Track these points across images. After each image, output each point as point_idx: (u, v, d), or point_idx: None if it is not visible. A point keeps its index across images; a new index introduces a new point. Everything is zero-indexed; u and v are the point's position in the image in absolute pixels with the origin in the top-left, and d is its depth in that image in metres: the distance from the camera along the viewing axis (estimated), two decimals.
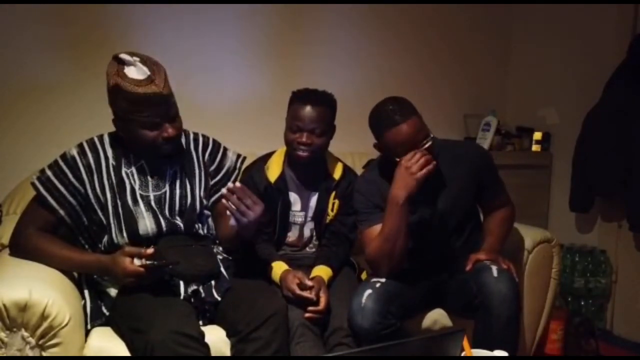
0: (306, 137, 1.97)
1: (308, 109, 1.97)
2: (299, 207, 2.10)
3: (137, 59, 1.74)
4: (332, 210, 2.09)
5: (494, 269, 1.85)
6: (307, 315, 1.84)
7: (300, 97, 2.01)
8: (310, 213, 2.11)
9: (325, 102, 2.01)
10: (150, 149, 1.79)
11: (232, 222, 1.71)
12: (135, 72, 1.72)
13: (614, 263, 2.99)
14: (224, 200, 1.69)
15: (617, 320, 2.98)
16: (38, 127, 2.45)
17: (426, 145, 1.87)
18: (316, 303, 1.86)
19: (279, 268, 1.98)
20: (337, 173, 2.10)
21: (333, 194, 2.08)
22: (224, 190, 1.68)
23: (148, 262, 1.66)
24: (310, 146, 1.98)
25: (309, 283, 1.87)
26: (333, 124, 2.05)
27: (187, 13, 2.67)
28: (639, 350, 2.80)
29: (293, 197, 2.10)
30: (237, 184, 1.69)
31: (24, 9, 2.39)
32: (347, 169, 2.15)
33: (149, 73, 1.72)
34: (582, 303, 2.98)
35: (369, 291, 1.85)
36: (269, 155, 2.14)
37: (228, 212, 1.70)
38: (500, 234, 2.08)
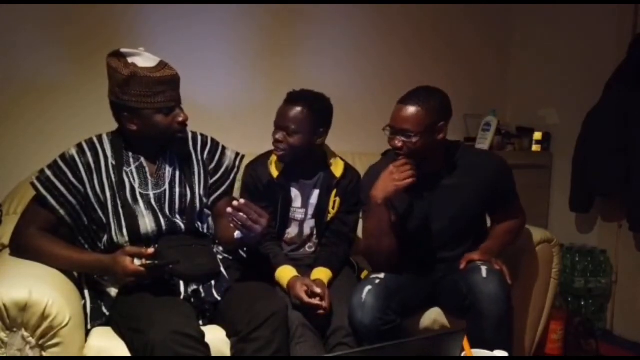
0: (278, 135, 2.01)
1: (285, 106, 2.03)
2: (300, 204, 2.11)
3: (142, 48, 1.79)
4: (332, 208, 2.10)
5: (484, 269, 1.85)
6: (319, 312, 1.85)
7: (287, 96, 2.06)
8: (311, 210, 2.11)
9: (303, 102, 2.01)
10: (165, 136, 1.82)
11: (238, 234, 1.71)
12: (144, 60, 1.78)
13: (614, 263, 2.99)
14: (229, 218, 1.67)
15: (617, 320, 2.98)
16: (38, 127, 2.45)
17: (403, 139, 1.87)
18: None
19: (287, 273, 1.97)
20: (338, 171, 2.11)
21: (334, 192, 2.09)
22: (229, 209, 1.67)
23: (148, 262, 1.66)
24: (282, 144, 2.00)
25: (317, 290, 1.87)
26: (315, 125, 2.02)
27: (184, 14, 2.67)
28: (639, 350, 2.80)
29: (294, 193, 2.11)
30: (242, 200, 1.68)
31: (25, 9, 2.39)
32: (348, 167, 2.16)
33: (158, 59, 1.79)
34: (582, 303, 2.98)
35: (368, 287, 1.86)
36: (272, 152, 2.14)
37: (232, 225, 1.70)
38: (502, 239, 2.07)
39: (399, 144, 1.90)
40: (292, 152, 2.01)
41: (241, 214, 1.65)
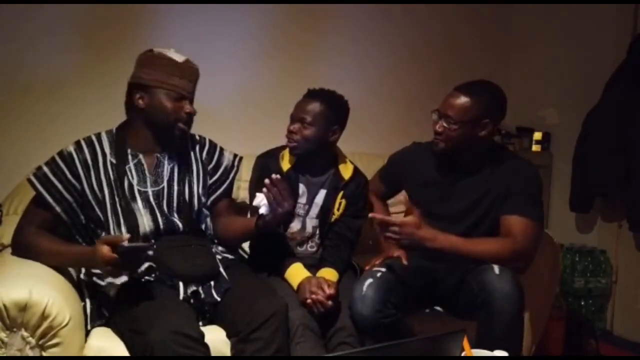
0: (293, 126, 2.04)
1: (304, 100, 2.07)
2: (304, 200, 2.12)
3: (173, 49, 1.88)
4: (337, 209, 2.11)
5: (496, 267, 1.83)
6: (313, 296, 1.85)
7: (307, 92, 2.10)
8: (315, 209, 2.12)
9: (322, 97, 2.05)
10: (167, 122, 1.85)
11: (264, 210, 1.82)
12: (174, 54, 1.87)
13: (614, 263, 2.99)
14: (264, 189, 1.78)
15: (617, 320, 2.98)
16: (39, 127, 2.45)
17: (445, 125, 1.90)
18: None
19: (300, 272, 1.98)
20: (347, 173, 2.13)
21: (341, 193, 2.10)
22: (266, 180, 1.77)
23: (122, 245, 1.61)
24: (296, 135, 2.03)
25: (329, 291, 1.87)
26: (331, 122, 2.06)
27: (190, 13, 2.66)
28: (639, 350, 2.80)
29: (301, 189, 2.12)
30: (278, 176, 1.79)
31: (27, 9, 2.39)
32: (357, 171, 2.17)
33: (185, 57, 1.88)
34: (582, 303, 2.98)
35: (370, 280, 1.87)
36: (284, 147, 2.16)
37: (259, 201, 1.81)
38: (476, 244, 1.88)
39: (439, 129, 1.92)
40: (304, 144, 2.04)
41: (275, 189, 1.76)
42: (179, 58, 1.87)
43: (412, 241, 1.82)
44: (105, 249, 1.62)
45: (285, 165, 2.10)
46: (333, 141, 2.10)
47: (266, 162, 2.13)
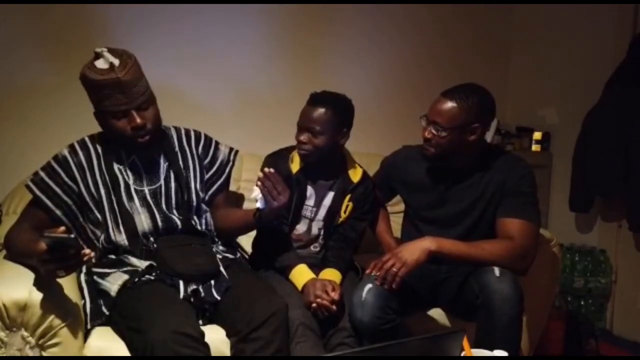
0: (303, 137, 2.01)
1: (309, 108, 2.02)
2: (312, 202, 2.11)
3: (105, 49, 1.77)
4: (344, 212, 2.11)
5: (496, 269, 1.83)
6: (318, 300, 1.85)
7: (310, 98, 2.06)
8: (322, 211, 2.12)
9: (328, 103, 2.02)
10: (123, 140, 1.80)
11: (260, 204, 1.82)
12: (102, 62, 1.76)
13: (614, 263, 2.99)
14: (258, 183, 1.79)
15: (617, 320, 2.98)
16: (39, 128, 2.45)
17: (433, 131, 1.88)
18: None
19: (304, 274, 1.98)
20: (356, 177, 2.13)
21: (348, 196, 2.10)
22: (259, 173, 1.77)
23: (45, 234, 1.49)
24: (307, 145, 2.01)
25: (333, 295, 1.87)
26: (340, 126, 2.04)
27: (192, 13, 2.66)
28: (639, 350, 2.80)
29: (309, 191, 2.11)
30: (271, 169, 1.79)
31: (28, 8, 2.39)
32: (366, 175, 2.17)
33: (111, 60, 1.75)
34: (582, 303, 2.98)
35: (369, 286, 1.84)
36: (294, 147, 2.15)
37: (255, 194, 1.81)
38: (477, 247, 1.86)
39: (429, 136, 1.91)
40: (317, 152, 2.02)
41: (268, 181, 1.77)
42: (105, 65, 1.74)
43: (408, 255, 1.81)
44: (40, 241, 1.50)
45: (295, 167, 2.09)
46: (343, 143, 2.09)
47: (275, 163, 2.09)
